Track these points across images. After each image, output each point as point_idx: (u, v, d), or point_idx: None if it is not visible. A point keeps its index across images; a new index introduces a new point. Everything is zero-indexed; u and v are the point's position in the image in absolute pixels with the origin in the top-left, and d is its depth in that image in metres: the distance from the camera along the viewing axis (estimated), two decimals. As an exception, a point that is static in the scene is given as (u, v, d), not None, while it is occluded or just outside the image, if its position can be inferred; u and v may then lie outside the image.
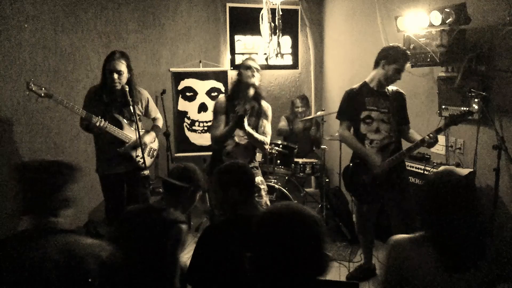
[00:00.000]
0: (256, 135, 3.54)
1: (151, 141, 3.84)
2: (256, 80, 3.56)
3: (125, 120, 3.64)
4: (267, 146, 3.65)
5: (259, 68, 3.60)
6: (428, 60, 3.53)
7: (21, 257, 1.60)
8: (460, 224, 1.74)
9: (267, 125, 3.68)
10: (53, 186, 1.74)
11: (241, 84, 3.58)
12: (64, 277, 1.61)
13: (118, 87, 3.53)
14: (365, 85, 3.51)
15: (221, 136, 3.55)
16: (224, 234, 2.19)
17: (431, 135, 3.20)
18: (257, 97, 3.65)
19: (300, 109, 5.44)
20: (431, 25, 3.46)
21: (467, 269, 1.75)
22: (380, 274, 1.95)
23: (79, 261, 1.65)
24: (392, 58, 3.33)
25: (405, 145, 3.51)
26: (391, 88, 3.50)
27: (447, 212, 1.76)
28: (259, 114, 3.66)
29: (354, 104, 3.49)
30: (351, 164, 3.58)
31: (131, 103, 3.49)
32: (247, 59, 3.69)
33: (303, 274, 1.34)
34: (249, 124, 3.50)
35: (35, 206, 1.72)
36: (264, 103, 3.70)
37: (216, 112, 3.67)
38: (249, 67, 3.55)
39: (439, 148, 3.82)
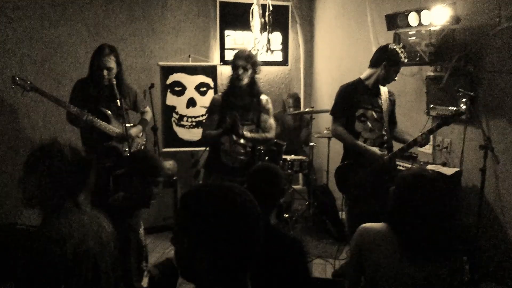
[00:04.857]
0: (256, 136, 3.49)
1: (138, 134, 3.81)
2: (246, 78, 3.45)
3: (112, 114, 3.61)
4: (272, 141, 3.58)
5: (250, 62, 3.46)
6: (417, 59, 3.55)
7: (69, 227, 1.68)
8: (426, 218, 1.85)
9: (268, 119, 3.59)
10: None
11: (234, 83, 3.50)
12: (94, 244, 1.72)
13: (107, 83, 3.50)
14: (360, 82, 3.50)
15: (210, 138, 3.52)
16: None
17: (423, 135, 3.21)
18: (254, 92, 3.56)
19: (291, 109, 5.42)
20: (421, 25, 3.48)
21: (427, 262, 1.86)
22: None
23: (101, 227, 1.79)
24: (395, 61, 3.34)
25: (395, 144, 3.54)
26: (382, 87, 3.50)
27: (413, 206, 1.87)
28: (259, 109, 3.58)
29: (349, 101, 3.47)
30: (343, 164, 3.57)
31: (118, 97, 3.46)
32: (236, 55, 3.53)
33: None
34: (249, 119, 3.51)
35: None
36: (263, 97, 3.62)
37: (210, 110, 3.63)
38: (236, 67, 3.45)
39: (426, 147, 3.83)
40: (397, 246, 1.90)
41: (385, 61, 3.35)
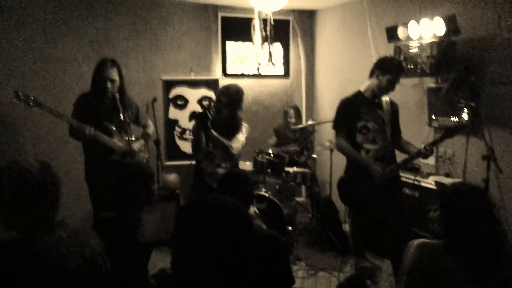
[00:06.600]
0: (220, 138, 3.71)
1: (140, 148, 3.81)
2: (225, 113, 3.75)
3: (114, 128, 3.61)
4: (234, 151, 3.79)
5: (234, 101, 3.75)
6: (418, 71, 3.56)
7: (40, 250, 1.65)
8: (482, 234, 1.77)
9: (238, 136, 3.85)
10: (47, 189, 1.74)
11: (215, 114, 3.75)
12: (78, 262, 1.69)
13: (110, 96, 3.51)
14: (359, 94, 3.50)
15: (193, 143, 3.79)
16: None
17: (427, 147, 3.20)
18: (233, 124, 3.85)
19: (293, 119, 5.43)
20: (421, 37, 3.50)
21: (491, 280, 1.75)
22: (399, 274, 1.96)
23: (85, 244, 1.77)
24: (387, 69, 3.32)
25: (398, 154, 3.53)
26: (384, 98, 3.50)
27: (468, 222, 1.78)
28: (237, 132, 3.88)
29: (349, 113, 3.47)
30: (346, 175, 3.56)
31: (121, 111, 3.48)
32: (223, 91, 3.81)
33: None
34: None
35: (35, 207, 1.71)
36: (243, 126, 3.92)
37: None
38: (218, 101, 3.77)
39: (429, 158, 3.83)
40: (459, 265, 1.79)
41: (378, 70, 3.36)
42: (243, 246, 1.32)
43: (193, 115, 3.74)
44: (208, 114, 3.47)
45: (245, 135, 3.89)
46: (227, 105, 3.73)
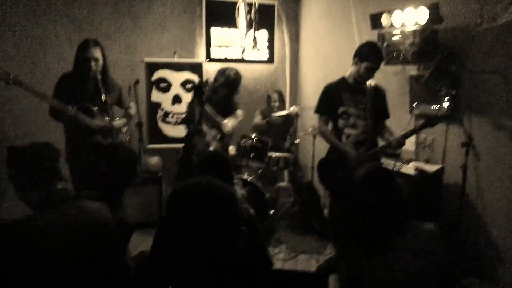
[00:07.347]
0: (212, 115, 3.92)
1: (122, 126, 3.78)
2: (220, 96, 3.98)
3: (96, 109, 3.58)
4: (225, 129, 4.04)
5: (234, 84, 3.99)
6: (401, 58, 3.59)
7: (47, 225, 1.70)
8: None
9: (230, 117, 4.07)
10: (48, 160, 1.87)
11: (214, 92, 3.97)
12: (81, 241, 1.75)
13: (92, 75, 3.48)
14: (343, 80, 3.55)
15: (187, 115, 3.98)
16: None
17: (393, 142, 3.28)
18: (229, 107, 4.09)
19: (276, 103, 5.45)
20: (404, 24, 3.53)
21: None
22: None
23: (91, 223, 1.82)
24: (364, 56, 3.37)
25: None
26: (369, 83, 3.54)
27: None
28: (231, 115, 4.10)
29: (332, 99, 3.53)
30: (327, 157, 3.62)
31: (103, 92, 3.45)
32: (227, 74, 3.96)
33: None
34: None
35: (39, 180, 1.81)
36: (238, 111, 4.16)
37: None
38: (215, 81, 3.98)
39: (409, 145, 3.89)
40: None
41: (357, 56, 3.41)
42: (233, 233, 1.34)
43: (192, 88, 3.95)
44: (203, 89, 3.53)
45: (238, 119, 4.08)
46: (223, 85, 3.89)
